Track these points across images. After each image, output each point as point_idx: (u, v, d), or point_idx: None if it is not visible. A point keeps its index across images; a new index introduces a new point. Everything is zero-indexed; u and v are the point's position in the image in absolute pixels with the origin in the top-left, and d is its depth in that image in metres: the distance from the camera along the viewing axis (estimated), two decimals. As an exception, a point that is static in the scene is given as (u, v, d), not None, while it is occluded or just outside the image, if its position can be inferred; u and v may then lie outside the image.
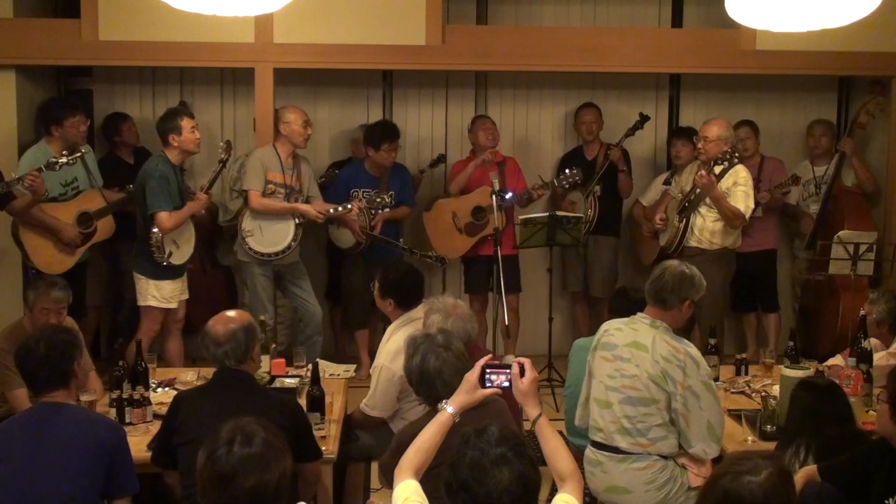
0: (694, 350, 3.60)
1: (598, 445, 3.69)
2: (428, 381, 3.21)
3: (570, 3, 6.74)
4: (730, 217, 5.38)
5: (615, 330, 3.71)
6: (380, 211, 5.83)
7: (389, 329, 4.46)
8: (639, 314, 3.70)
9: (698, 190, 5.43)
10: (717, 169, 5.44)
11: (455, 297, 4.13)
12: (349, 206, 5.60)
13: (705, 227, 5.48)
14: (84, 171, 5.40)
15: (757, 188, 5.92)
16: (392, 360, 4.25)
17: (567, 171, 5.93)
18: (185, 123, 5.21)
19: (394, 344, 4.28)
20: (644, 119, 6.33)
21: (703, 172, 5.38)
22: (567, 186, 6.00)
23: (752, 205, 5.43)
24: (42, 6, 6.31)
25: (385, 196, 5.81)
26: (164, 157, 5.23)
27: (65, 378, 3.15)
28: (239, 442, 2.34)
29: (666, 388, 3.52)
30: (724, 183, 5.42)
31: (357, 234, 5.78)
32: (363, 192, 5.93)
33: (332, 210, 5.59)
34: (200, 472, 2.37)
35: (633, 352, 3.59)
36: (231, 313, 3.46)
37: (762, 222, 6.12)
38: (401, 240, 5.98)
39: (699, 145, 5.53)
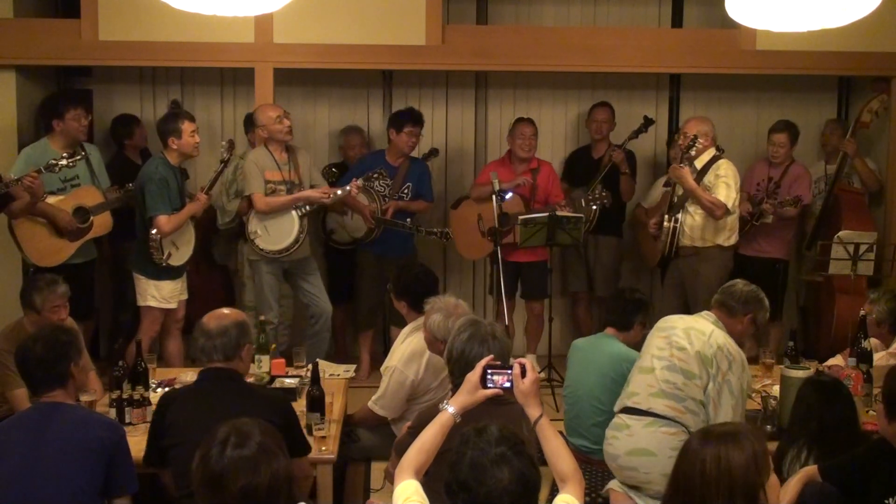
0: (744, 356, 3.78)
1: (630, 410, 3.77)
2: (465, 364, 3.18)
3: (570, 3, 6.74)
4: (710, 208, 5.38)
5: (677, 318, 3.92)
6: (374, 185, 5.83)
7: (404, 331, 4.48)
8: (705, 311, 3.92)
9: (681, 188, 5.46)
10: (699, 164, 5.45)
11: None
12: (347, 187, 5.60)
13: (695, 224, 5.50)
14: (87, 170, 5.39)
15: (775, 193, 5.92)
16: (406, 363, 4.27)
17: (597, 191, 5.89)
18: (186, 127, 5.20)
19: (408, 346, 4.30)
20: (648, 122, 6.35)
21: (675, 165, 5.42)
22: (595, 207, 5.91)
23: (734, 195, 5.42)
24: (42, 6, 6.31)
25: (382, 171, 5.80)
26: (164, 160, 5.23)
27: (62, 378, 3.15)
28: (232, 444, 2.34)
29: (709, 370, 3.67)
30: (708, 178, 5.43)
31: (367, 219, 5.80)
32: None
33: (334, 194, 5.59)
34: (194, 472, 2.37)
35: (689, 332, 3.78)
36: (226, 310, 3.48)
37: (771, 230, 6.01)
38: (408, 220, 5.97)
39: (679, 142, 5.56)
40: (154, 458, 3.35)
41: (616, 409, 3.90)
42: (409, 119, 5.91)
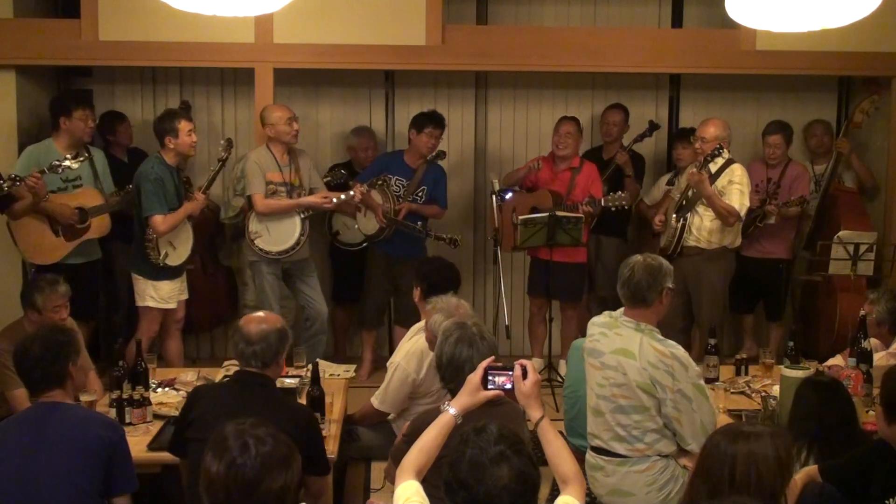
0: (680, 352, 3.52)
1: (598, 450, 3.69)
2: (456, 367, 3.19)
3: (570, 3, 6.74)
4: (724, 215, 5.40)
5: (600, 335, 3.65)
6: (377, 188, 5.82)
7: (413, 328, 4.51)
8: (621, 318, 3.61)
9: (693, 190, 5.45)
10: (713, 167, 5.45)
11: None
12: (351, 192, 5.59)
13: (703, 227, 5.50)
14: (91, 172, 5.38)
15: (775, 196, 5.92)
16: (409, 360, 4.28)
17: (618, 192, 5.83)
18: (183, 126, 5.20)
19: (414, 344, 4.31)
20: (653, 127, 6.38)
21: (694, 170, 5.40)
22: (614, 209, 5.86)
23: (746, 203, 5.45)
24: (42, 6, 6.30)
25: (388, 177, 5.78)
26: (160, 159, 5.22)
27: (60, 378, 3.15)
28: (255, 445, 2.30)
29: (655, 395, 3.49)
30: (720, 182, 5.44)
31: (380, 218, 5.80)
32: (395, 179, 5.94)
33: (335, 199, 5.59)
34: (223, 481, 2.28)
35: (619, 359, 3.53)
36: (263, 314, 3.48)
37: (774, 230, 6.03)
38: (419, 223, 5.97)
39: (696, 146, 5.54)
40: (177, 446, 3.37)
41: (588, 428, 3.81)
42: (430, 121, 5.91)
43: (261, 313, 3.49)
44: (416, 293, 4.59)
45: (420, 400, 4.33)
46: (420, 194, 5.99)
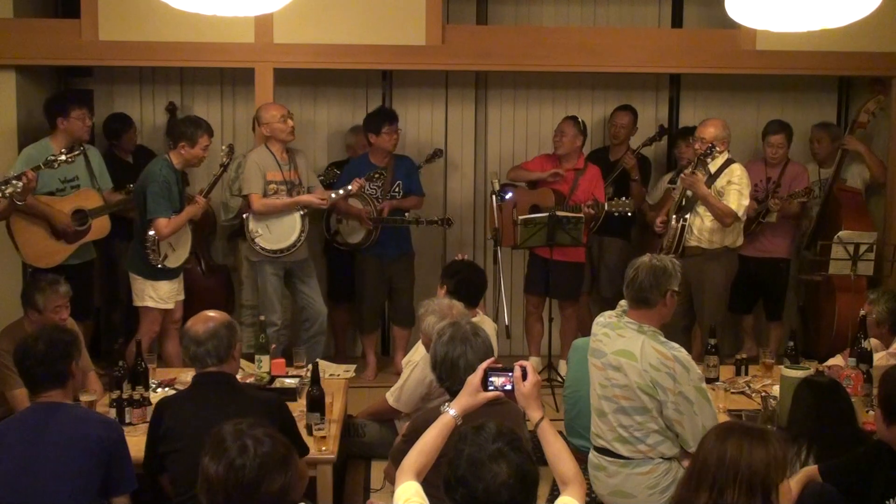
0: (683, 354, 3.51)
1: (601, 450, 3.69)
2: (451, 364, 3.18)
3: (570, 3, 6.74)
4: (720, 215, 5.38)
5: (603, 335, 3.65)
6: (378, 182, 5.83)
7: None
8: (625, 319, 3.61)
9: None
10: (713, 168, 5.44)
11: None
12: (349, 187, 5.59)
13: (704, 227, 5.49)
14: (86, 170, 5.37)
15: (776, 192, 5.92)
16: (427, 360, 4.26)
17: (622, 198, 5.85)
18: (202, 141, 5.20)
19: None
20: (663, 132, 6.38)
21: (687, 172, 5.40)
22: (617, 214, 5.85)
23: (745, 203, 5.43)
24: (42, 6, 6.31)
25: (382, 171, 5.80)
26: (168, 162, 5.21)
27: (62, 378, 3.15)
28: (253, 447, 2.30)
29: (657, 397, 3.48)
30: (720, 182, 5.43)
31: (364, 221, 5.80)
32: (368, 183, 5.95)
33: (333, 195, 5.59)
34: (222, 482, 2.28)
35: (621, 360, 3.53)
36: (211, 313, 3.43)
37: (774, 229, 6.04)
38: (406, 214, 5.98)
39: (696, 146, 5.53)
40: (153, 464, 3.34)
41: (591, 430, 3.80)
42: (384, 120, 5.91)
43: (209, 312, 3.43)
44: (441, 292, 4.55)
45: (431, 403, 4.32)
46: (397, 189, 6.01)
